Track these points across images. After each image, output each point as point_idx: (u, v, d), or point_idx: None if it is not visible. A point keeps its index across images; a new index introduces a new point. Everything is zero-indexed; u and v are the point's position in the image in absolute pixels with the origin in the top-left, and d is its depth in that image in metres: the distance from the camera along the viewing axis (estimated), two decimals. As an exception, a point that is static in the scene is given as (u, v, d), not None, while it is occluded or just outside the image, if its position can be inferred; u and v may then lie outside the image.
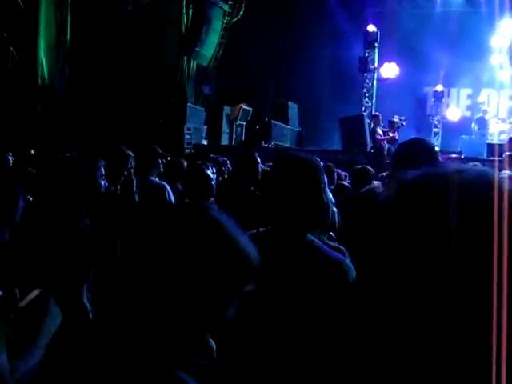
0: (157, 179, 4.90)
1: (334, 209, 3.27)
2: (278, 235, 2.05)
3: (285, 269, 1.96)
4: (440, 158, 3.79)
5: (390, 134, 13.84)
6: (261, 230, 2.11)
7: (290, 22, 17.75)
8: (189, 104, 15.10)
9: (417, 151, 2.87)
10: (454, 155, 12.78)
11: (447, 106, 19.31)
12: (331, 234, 3.44)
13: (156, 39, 15.15)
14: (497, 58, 19.62)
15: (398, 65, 15.71)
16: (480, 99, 18.77)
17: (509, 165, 9.73)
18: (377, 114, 14.13)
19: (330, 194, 2.11)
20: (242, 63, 16.83)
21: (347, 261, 2.07)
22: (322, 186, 2.09)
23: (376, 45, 15.97)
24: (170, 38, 15.53)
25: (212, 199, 4.33)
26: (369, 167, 5.45)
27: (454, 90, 20.21)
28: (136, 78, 14.49)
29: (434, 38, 17.57)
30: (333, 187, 5.52)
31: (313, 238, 2.07)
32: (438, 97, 18.35)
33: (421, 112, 18.19)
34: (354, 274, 1.96)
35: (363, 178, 5.04)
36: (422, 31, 17.46)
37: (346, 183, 5.96)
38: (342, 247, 2.56)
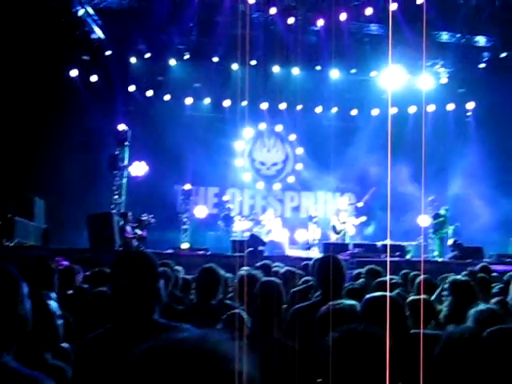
0: None
1: (59, 321, 3.01)
2: None
3: None
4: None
5: (139, 232, 13.85)
6: None
7: (42, 116, 17.11)
8: None
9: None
10: (200, 252, 13.17)
11: (196, 203, 20.13)
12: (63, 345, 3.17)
13: None
14: (240, 161, 21.41)
15: (148, 163, 16.07)
16: (225, 198, 19.96)
17: (248, 260, 10.38)
18: (126, 212, 14.09)
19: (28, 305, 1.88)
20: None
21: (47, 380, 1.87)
22: (20, 298, 1.86)
23: (126, 143, 16.17)
24: None
25: None
26: None
27: (202, 189, 21.24)
28: None
29: (184, 138, 18.46)
30: (72, 291, 5.18)
31: (8, 359, 1.81)
32: (187, 195, 19.05)
33: (171, 209, 18.65)
34: None
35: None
36: (173, 131, 18.23)
37: (85, 286, 5.60)
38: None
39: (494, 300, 4.75)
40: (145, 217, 14.04)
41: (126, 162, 16.07)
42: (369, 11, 16.91)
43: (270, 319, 3.27)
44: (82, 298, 4.61)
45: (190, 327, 2.47)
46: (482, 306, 3.73)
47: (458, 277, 4.61)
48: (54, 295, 3.91)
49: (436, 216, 17.07)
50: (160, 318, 2.50)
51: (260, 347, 2.79)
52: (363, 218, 17.12)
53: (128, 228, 13.06)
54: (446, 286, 4.31)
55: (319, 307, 3.43)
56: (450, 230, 16.54)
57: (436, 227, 16.86)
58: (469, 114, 20.87)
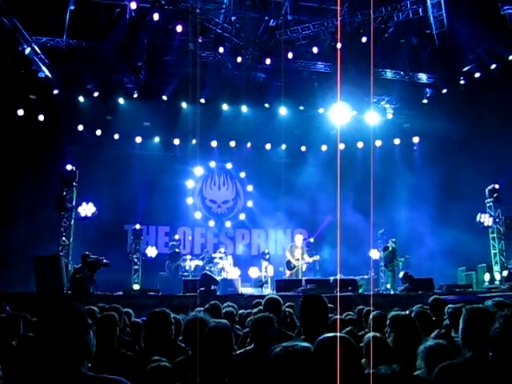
0: None
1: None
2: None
3: None
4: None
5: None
6: None
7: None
8: None
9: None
10: (152, 293, 12.92)
11: (147, 243, 19.82)
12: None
13: None
14: (190, 199, 21.33)
15: (96, 203, 15.76)
16: (176, 236, 19.75)
17: (201, 299, 10.23)
18: (87, 253, 13.64)
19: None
20: None
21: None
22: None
23: (74, 184, 15.85)
24: None
25: None
26: None
27: (152, 228, 20.98)
28: None
29: (134, 177, 18.29)
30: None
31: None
32: (137, 234, 18.75)
33: (121, 249, 18.30)
34: None
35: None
36: (122, 171, 18.03)
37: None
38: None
39: (433, 334, 4.75)
40: (94, 256, 13.68)
41: (73, 203, 15.72)
42: (315, 50, 17.35)
43: (219, 366, 3.19)
44: (25, 348, 4.41)
45: (124, 380, 2.43)
46: (430, 342, 3.74)
47: (399, 312, 4.55)
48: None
49: (385, 249, 17.32)
50: (88, 371, 2.44)
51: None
52: (317, 257, 17.20)
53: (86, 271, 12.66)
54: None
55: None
56: (401, 261, 16.78)
57: (386, 260, 17.08)
58: (414, 147, 21.51)
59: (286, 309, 6.78)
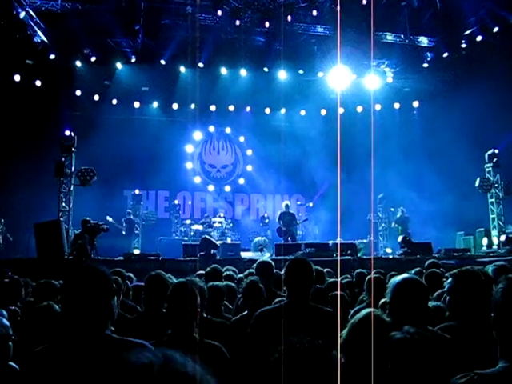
0: None
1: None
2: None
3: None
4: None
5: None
6: None
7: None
8: None
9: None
10: (152, 257, 13.01)
11: (146, 208, 19.90)
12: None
13: None
14: (190, 164, 21.32)
15: (96, 169, 15.70)
16: (176, 201, 19.81)
17: (200, 264, 10.31)
18: (87, 218, 13.66)
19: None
20: None
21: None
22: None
23: (73, 149, 15.79)
24: None
25: None
26: None
27: (152, 193, 21.03)
28: None
29: (133, 142, 18.22)
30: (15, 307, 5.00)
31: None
32: (137, 199, 18.80)
33: (121, 215, 18.35)
34: None
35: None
36: (121, 136, 17.93)
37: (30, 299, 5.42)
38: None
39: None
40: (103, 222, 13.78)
41: (72, 169, 15.69)
42: (314, 12, 17.11)
43: (184, 321, 3.23)
44: (27, 313, 4.46)
45: (145, 343, 2.52)
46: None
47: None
48: (4, 312, 3.78)
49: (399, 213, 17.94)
50: (112, 333, 2.50)
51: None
52: (301, 220, 17.22)
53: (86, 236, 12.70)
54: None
55: (287, 311, 3.43)
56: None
57: (398, 222, 17.83)
58: (414, 112, 21.40)
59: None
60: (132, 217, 18.18)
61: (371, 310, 2.69)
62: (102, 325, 2.45)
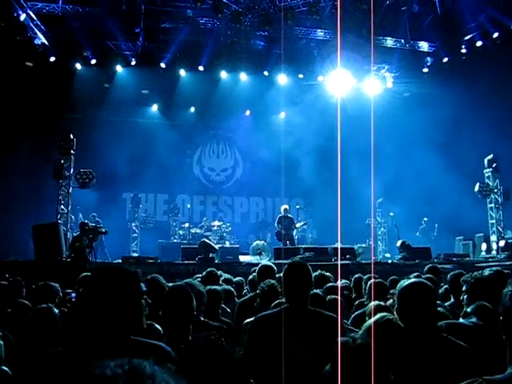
0: None
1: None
2: None
3: None
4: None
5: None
6: None
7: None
8: None
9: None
10: (151, 260, 12.97)
11: (145, 211, 19.85)
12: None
13: None
14: (189, 167, 21.34)
15: (95, 171, 15.67)
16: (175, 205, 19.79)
17: (199, 267, 10.28)
18: (86, 221, 13.64)
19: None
20: None
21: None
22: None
23: (72, 152, 15.75)
24: None
25: None
26: None
27: (151, 196, 20.99)
28: None
29: (132, 145, 18.22)
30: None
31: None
32: (136, 202, 18.75)
33: (120, 218, 18.32)
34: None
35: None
36: (121, 139, 17.91)
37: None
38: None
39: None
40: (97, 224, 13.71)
41: (71, 171, 15.65)
42: (315, 17, 17.10)
43: (179, 323, 3.22)
44: (23, 315, 4.43)
45: (164, 345, 2.50)
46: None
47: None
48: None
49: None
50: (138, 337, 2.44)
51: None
52: (300, 224, 17.17)
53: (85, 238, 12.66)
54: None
55: (287, 316, 3.41)
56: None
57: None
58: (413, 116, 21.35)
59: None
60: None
61: (385, 314, 2.67)
62: (130, 327, 2.39)
